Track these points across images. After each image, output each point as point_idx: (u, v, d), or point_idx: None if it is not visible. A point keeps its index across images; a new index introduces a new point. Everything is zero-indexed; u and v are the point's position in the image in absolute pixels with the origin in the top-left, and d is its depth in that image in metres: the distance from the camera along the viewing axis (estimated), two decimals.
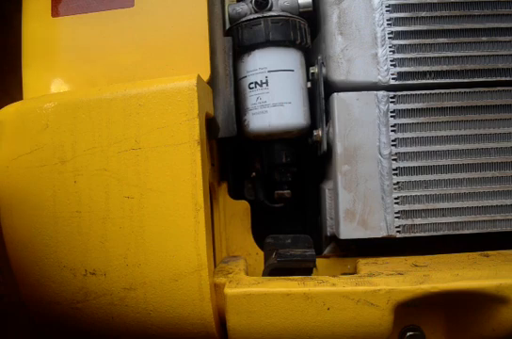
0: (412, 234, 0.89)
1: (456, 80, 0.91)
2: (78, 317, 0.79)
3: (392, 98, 0.91)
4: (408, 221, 0.89)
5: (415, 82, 0.91)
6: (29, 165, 0.79)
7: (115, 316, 0.78)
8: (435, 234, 0.90)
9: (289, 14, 0.97)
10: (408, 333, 0.79)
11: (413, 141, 0.90)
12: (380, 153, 0.90)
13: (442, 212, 0.90)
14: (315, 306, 0.75)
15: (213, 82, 0.91)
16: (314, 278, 0.79)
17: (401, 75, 0.91)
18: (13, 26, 1.00)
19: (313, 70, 0.97)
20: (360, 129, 0.91)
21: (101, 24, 0.90)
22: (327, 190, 0.96)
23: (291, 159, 1.02)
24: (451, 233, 0.90)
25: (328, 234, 0.96)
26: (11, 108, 0.83)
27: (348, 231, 0.90)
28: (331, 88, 0.94)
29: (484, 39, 0.91)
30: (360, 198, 0.90)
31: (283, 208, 1.07)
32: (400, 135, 0.90)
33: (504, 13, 0.91)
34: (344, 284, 0.76)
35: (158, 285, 0.77)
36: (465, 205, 0.90)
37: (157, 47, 0.89)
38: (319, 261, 0.95)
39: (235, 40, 0.97)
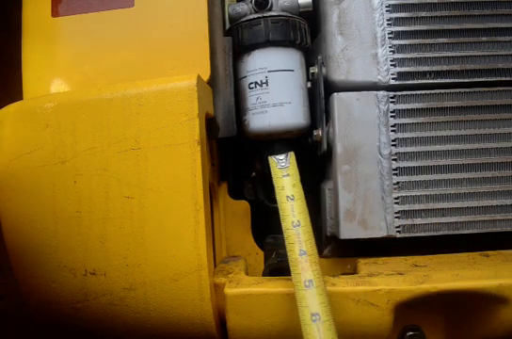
0: (412, 234, 0.89)
1: (456, 80, 0.91)
2: (78, 317, 0.79)
3: (392, 98, 0.91)
4: (408, 221, 0.89)
5: (415, 82, 0.91)
6: (29, 165, 0.79)
7: (115, 316, 0.78)
8: (435, 234, 0.90)
9: (289, 14, 0.97)
10: (408, 333, 0.79)
11: (413, 141, 0.90)
12: (380, 153, 0.90)
13: (442, 212, 0.90)
14: None
15: (213, 82, 0.91)
16: None
17: (401, 75, 0.91)
18: (13, 26, 1.00)
19: (313, 70, 0.97)
20: (360, 129, 0.91)
21: (101, 24, 0.90)
22: (327, 190, 0.96)
23: None
24: (451, 233, 0.90)
25: (328, 234, 0.96)
26: (11, 108, 0.83)
27: (348, 231, 0.90)
28: (331, 88, 0.94)
29: (484, 39, 0.91)
30: (360, 198, 0.90)
31: None
32: (400, 135, 0.90)
33: (504, 13, 0.91)
34: (344, 284, 0.76)
35: (158, 285, 0.77)
36: (465, 205, 0.90)
37: (157, 47, 0.89)
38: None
39: (235, 40, 0.97)
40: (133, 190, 0.77)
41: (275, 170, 0.80)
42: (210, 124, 0.90)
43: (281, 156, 0.81)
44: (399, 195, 0.90)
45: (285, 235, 0.75)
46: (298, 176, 0.80)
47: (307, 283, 0.70)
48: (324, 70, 0.95)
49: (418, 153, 0.90)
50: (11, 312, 1.30)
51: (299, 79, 0.98)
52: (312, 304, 0.68)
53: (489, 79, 0.91)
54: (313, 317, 0.67)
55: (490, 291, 0.74)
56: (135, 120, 0.78)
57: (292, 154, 0.81)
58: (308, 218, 0.76)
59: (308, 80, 0.99)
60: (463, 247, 0.90)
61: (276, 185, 0.79)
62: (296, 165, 0.81)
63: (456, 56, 0.91)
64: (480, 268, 0.79)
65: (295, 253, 0.73)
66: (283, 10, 0.97)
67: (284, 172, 0.79)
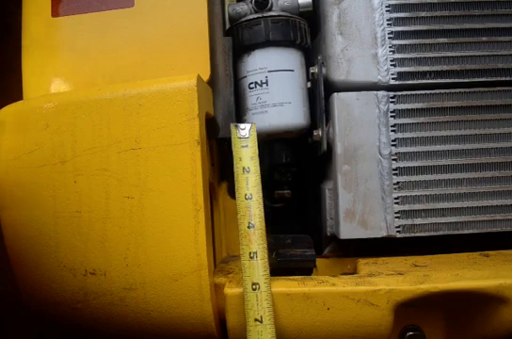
0: (412, 234, 0.89)
1: (456, 80, 0.91)
2: (78, 317, 0.79)
3: (392, 98, 0.91)
4: (408, 221, 0.90)
5: (415, 82, 0.91)
6: (29, 165, 0.79)
7: (115, 316, 0.78)
8: (435, 234, 0.90)
9: (289, 14, 0.97)
10: (408, 333, 0.79)
11: (413, 141, 0.90)
12: (380, 153, 0.90)
13: (442, 212, 0.90)
14: (315, 306, 0.75)
15: (213, 82, 0.91)
16: (314, 278, 0.79)
17: (401, 75, 0.91)
18: (13, 26, 1.00)
19: (313, 70, 0.97)
20: (360, 129, 0.91)
21: (101, 24, 0.90)
22: (327, 190, 0.96)
23: (291, 159, 1.02)
24: (451, 233, 0.90)
25: (328, 233, 0.96)
26: (11, 108, 0.83)
27: (348, 231, 0.90)
28: (331, 88, 0.94)
29: (484, 39, 0.91)
30: (360, 198, 0.90)
31: (283, 208, 1.07)
32: (400, 135, 0.90)
33: (504, 13, 0.91)
34: (344, 284, 0.76)
35: (158, 285, 0.77)
36: (465, 205, 0.90)
37: (157, 47, 0.89)
38: (319, 261, 0.95)
39: (235, 40, 0.97)
40: (133, 190, 0.77)
41: (235, 139, 0.81)
42: (210, 124, 0.90)
43: (243, 125, 0.82)
44: (399, 195, 0.90)
45: (237, 206, 0.78)
46: (257, 150, 0.81)
47: (251, 255, 0.75)
48: (324, 70, 0.95)
49: (418, 153, 0.90)
50: (11, 312, 1.30)
51: (299, 79, 0.98)
52: (254, 274, 0.74)
53: (489, 79, 0.91)
54: (254, 286, 0.73)
55: (490, 291, 0.74)
56: (135, 120, 0.78)
57: (253, 126, 0.82)
58: (260, 193, 0.79)
59: (308, 80, 0.99)
60: (463, 247, 0.90)
61: (234, 155, 0.81)
62: (255, 137, 0.82)
63: (456, 56, 0.91)
64: (480, 268, 0.79)
65: (244, 225, 0.76)
66: (283, 10, 0.97)
67: (244, 143, 0.80)
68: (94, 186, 0.78)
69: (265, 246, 0.76)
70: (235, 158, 0.80)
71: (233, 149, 0.81)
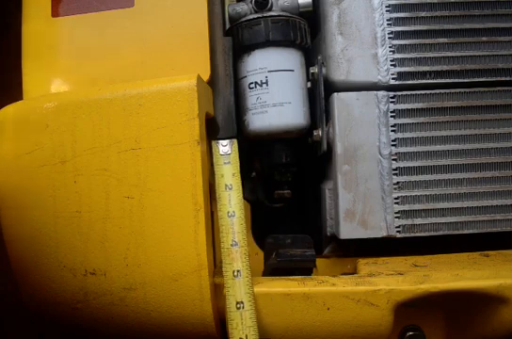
0: (412, 234, 0.89)
1: (456, 80, 0.91)
2: (78, 317, 0.80)
3: (392, 98, 0.91)
4: (409, 221, 0.90)
5: (415, 82, 0.91)
6: (29, 165, 0.79)
7: (115, 316, 0.78)
8: (435, 234, 0.90)
9: (289, 14, 0.97)
10: (408, 333, 0.79)
11: (413, 141, 0.90)
12: (380, 153, 0.90)
13: (442, 212, 0.90)
14: (315, 306, 0.75)
15: (213, 82, 0.91)
16: (314, 278, 0.79)
17: (401, 75, 0.91)
18: (13, 26, 1.00)
19: (313, 70, 0.97)
20: (360, 129, 0.91)
21: (101, 24, 0.90)
22: (327, 190, 0.96)
23: (291, 159, 1.02)
24: (451, 233, 0.90)
25: (328, 233, 0.96)
26: (11, 108, 0.83)
27: (348, 231, 0.90)
28: (331, 88, 0.94)
29: (484, 39, 0.91)
30: (360, 198, 0.90)
31: (283, 208, 1.07)
32: (400, 135, 0.90)
33: (504, 13, 0.91)
34: (344, 284, 0.76)
35: (158, 285, 0.77)
36: (465, 205, 0.90)
37: (157, 47, 0.89)
38: (319, 261, 0.95)
39: (235, 40, 0.97)
40: (133, 190, 0.77)
41: (217, 157, 0.81)
42: (210, 124, 0.90)
43: (225, 142, 0.81)
44: (399, 195, 0.90)
45: (220, 224, 0.78)
46: (238, 165, 0.81)
47: (235, 273, 0.75)
48: (324, 70, 0.95)
49: (418, 153, 0.90)
50: (11, 312, 1.30)
51: (299, 79, 0.98)
52: (238, 293, 0.74)
53: (489, 79, 0.91)
54: (238, 305, 0.73)
55: (490, 291, 0.74)
56: (135, 120, 0.78)
57: (235, 142, 0.81)
58: (242, 210, 0.79)
59: (308, 80, 0.99)
60: (463, 247, 0.90)
61: (216, 172, 0.80)
62: (237, 153, 0.81)
63: (456, 56, 0.91)
64: (480, 268, 0.79)
65: (227, 243, 0.76)
66: (283, 10, 0.97)
67: (226, 160, 0.80)
68: (94, 186, 0.78)
69: (248, 263, 0.76)
70: (217, 175, 0.80)
71: (215, 166, 0.81)
